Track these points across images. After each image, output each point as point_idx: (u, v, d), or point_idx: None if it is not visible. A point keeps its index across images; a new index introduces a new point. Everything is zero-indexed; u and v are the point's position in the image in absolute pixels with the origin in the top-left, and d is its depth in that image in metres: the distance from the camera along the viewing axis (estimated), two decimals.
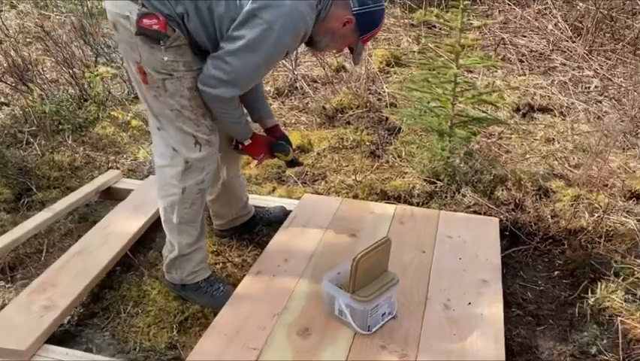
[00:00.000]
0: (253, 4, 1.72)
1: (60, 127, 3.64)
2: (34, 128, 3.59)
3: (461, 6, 2.61)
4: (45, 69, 4.55)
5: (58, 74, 4.36)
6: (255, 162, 2.30)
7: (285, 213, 2.64)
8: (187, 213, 2.03)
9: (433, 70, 2.85)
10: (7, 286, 2.34)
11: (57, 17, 5.84)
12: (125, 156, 3.46)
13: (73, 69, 4.13)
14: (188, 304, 2.17)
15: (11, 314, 1.94)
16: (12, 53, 4.29)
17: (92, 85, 4.00)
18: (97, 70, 4.17)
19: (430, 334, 1.84)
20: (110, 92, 4.10)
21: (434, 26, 5.38)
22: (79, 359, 1.81)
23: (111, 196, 2.94)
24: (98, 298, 2.23)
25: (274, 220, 2.63)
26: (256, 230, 2.63)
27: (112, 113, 3.85)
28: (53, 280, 2.12)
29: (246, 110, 2.22)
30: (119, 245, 2.34)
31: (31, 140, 3.50)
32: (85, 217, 2.81)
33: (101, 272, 2.21)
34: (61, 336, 2.02)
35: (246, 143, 2.13)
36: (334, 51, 2.15)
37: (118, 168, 3.22)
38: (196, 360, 1.73)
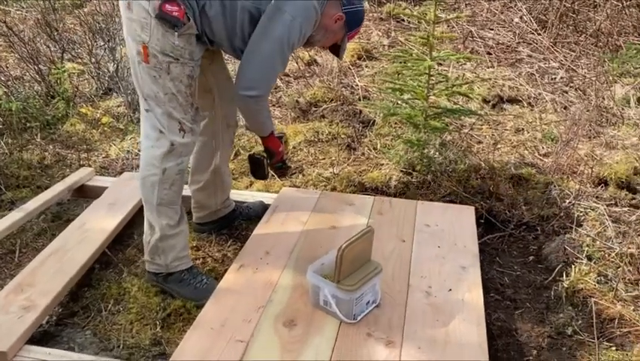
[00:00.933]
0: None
1: (28, 125, 3.55)
2: (0, 127, 3.49)
3: None
4: (8, 66, 4.42)
5: (23, 71, 4.23)
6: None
7: (264, 208, 2.64)
8: (167, 195, 2.06)
9: (407, 63, 2.88)
10: None
11: (17, 12, 5.68)
12: (96, 154, 3.40)
13: (39, 65, 4.02)
14: (169, 300, 2.15)
15: None
16: None
17: (59, 81, 3.90)
18: (63, 66, 4.07)
19: (414, 320, 1.87)
20: (77, 89, 4.01)
21: (403, 20, 5.44)
22: (61, 358, 1.77)
23: (84, 194, 2.89)
24: (78, 297, 2.19)
25: (253, 215, 2.63)
26: (235, 224, 2.63)
27: (81, 110, 3.78)
28: (30, 280, 2.08)
29: None
30: (97, 243, 2.31)
31: None
32: (58, 216, 2.75)
33: (80, 271, 2.17)
34: (40, 337, 1.99)
35: (268, 135, 2.24)
36: (323, 46, 2.26)
37: (90, 166, 3.16)
38: (185, 358, 1.72)
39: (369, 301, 1.90)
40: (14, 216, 2.52)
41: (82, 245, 2.29)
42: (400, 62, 2.98)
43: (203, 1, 1.91)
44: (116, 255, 2.41)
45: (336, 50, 2.23)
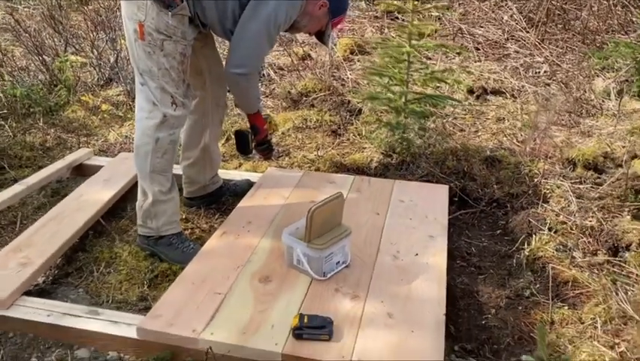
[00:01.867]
0: None
1: (31, 110, 3.74)
2: (4, 111, 3.68)
3: None
4: (14, 57, 4.61)
5: (28, 62, 4.43)
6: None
7: (250, 185, 2.80)
8: (159, 163, 2.23)
9: (388, 50, 3.04)
10: None
11: (25, 9, 5.89)
12: (95, 138, 3.58)
13: (43, 56, 4.22)
14: (157, 264, 2.31)
15: None
16: None
17: (62, 70, 4.08)
18: (66, 57, 4.26)
19: (380, 279, 2.02)
20: (79, 79, 4.20)
21: (397, 18, 5.61)
22: (55, 308, 1.93)
23: (82, 173, 3.06)
24: (72, 260, 2.36)
25: (240, 191, 2.79)
26: (222, 200, 2.79)
27: (82, 98, 3.95)
28: (28, 241, 2.25)
29: None
30: (92, 211, 2.48)
31: (2, 122, 3.58)
32: (57, 192, 2.92)
33: (75, 235, 2.34)
34: (37, 293, 2.15)
35: (255, 112, 2.42)
36: (308, 32, 2.39)
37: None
38: (167, 307, 1.88)
39: (339, 262, 2.05)
40: (16, 188, 2.69)
41: (77, 213, 2.46)
42: (384, 51, 3.13)
43: None
44: (110, 224, 2.57)
45: (322, 36, 2.40)
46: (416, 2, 2.89)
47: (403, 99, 3.02)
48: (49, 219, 2.44)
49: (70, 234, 2.30)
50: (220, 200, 2.78)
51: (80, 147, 3.35)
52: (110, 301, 2.11)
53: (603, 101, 3.96)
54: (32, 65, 4.32)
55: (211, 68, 2.46)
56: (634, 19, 5.11)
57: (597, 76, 4.28)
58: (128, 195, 2.79)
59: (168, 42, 2.09)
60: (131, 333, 1.81)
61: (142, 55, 2.11)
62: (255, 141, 2.51)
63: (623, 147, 3.09)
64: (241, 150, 2.57)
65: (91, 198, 2.60)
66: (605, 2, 5.24)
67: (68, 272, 2.30)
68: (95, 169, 2.98)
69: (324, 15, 2.26)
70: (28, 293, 2.04)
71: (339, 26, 2.67)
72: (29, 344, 1.87)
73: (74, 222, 2.39)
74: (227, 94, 2.66)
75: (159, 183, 2.26)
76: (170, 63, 2.12)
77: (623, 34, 5.14)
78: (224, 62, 2.45)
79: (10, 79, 3.99)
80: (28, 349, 1.86)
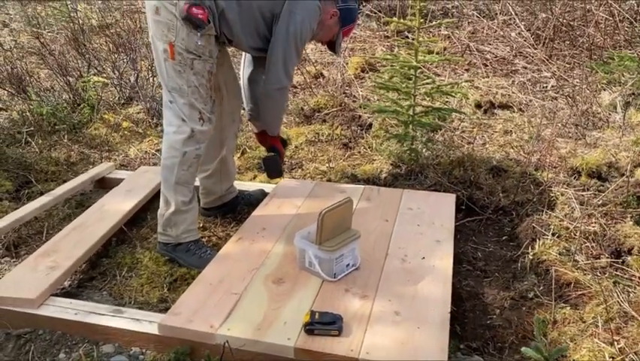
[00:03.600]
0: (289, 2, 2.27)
1: (56, 128, 3.92)
2: (31, 129, 3.87)
3: (418, 7, 2.94)
4: (40, 78, 4.83)
5: (53, 83, 4.64)
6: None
7: (264, 195, 2.92)
8: (184, 175, 2.36)
9: (397, 66, 3.17)
10: (12, 260, 2.59)
11: (49, 34, 6.15)
12: (117, 154, 3.74)
13: (67, 77, 4.42)
14: (176, 269, 2.43)
15: (21, 273, 2.20)
16: (8, 64, 4.58)
17: (85, 89, 4.28)
18: (89, 77, 4.47)
19: (388, 280, 2.12)
20: (101, 98, 4.39)
21: (407, 36, 5.76)
22: (81, 307, 2.06)
23: (105, 185, 3.21)
24: (96, 265, 2.49)
25: (254, 201, 2.91)
26: (238, 210, 2.91)
27: (104, 116, 4.13)
28: (56, 247, 2.38)
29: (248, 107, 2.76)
30: (114, 220, 2.61)
31: (30, 139, 3.77)
32: (81, 204, 3.07)
33: (98, 242, 2.47)
34: (63, 296, 2.27)
35: (277, 133, 2.69)
36: (320, 41, 2.58)
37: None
38: (185, 306, 1.99)
39: (348, 264, 2.16)
40: (42, 200, 2.85)
41: (101, 222, 2.60)
42: (392, 67, 3.26)
43: (222, 5, 2.21)
44: (131, 232, 2.71)
45: (333, 45, 2.58)
46: (422, 20, 3.02)
47: (411, 112, 3.14)
48: (74, 227, 2.58)
49: (94, 241, 2.44)
50: (235, 210, 2.90)
51: (102, 162, 3.51)
52: (132, 303, 2.23)
53: (609, 114, 4.03)
54: (57, 85, 4.53)
55: (228, 85, 2.60)
56: None
57: (603, 90, 4.37)
58: (148, 205, 2.93)
59: (198, 61, 2.23)
60: (153, 330, 1.92)
61: (172, 73, 2.25)
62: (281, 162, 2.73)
63: (628, 156, 3.17)
64: (274, 174, 2.78)
65: (113, 208, 2.74)
66: (611, 18, 5.34)
67: (93, 276, 2.42)
68: (117, 182, 3.12)
69: (335, 24, 2.45)
70: (55, 295, 2.16)
71: (349, 35, 2.84)
72: (57, 341, 1.99)
73: (98, 230, 2.52)
74: (242, 109, 2.80)
75: (182, 194, 2.38)
76: (200, 81, 2.26)
77: (629, 50, 5.23)
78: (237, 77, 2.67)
79: (37, 98, 4.19)
80: (57, 345, 1.98)
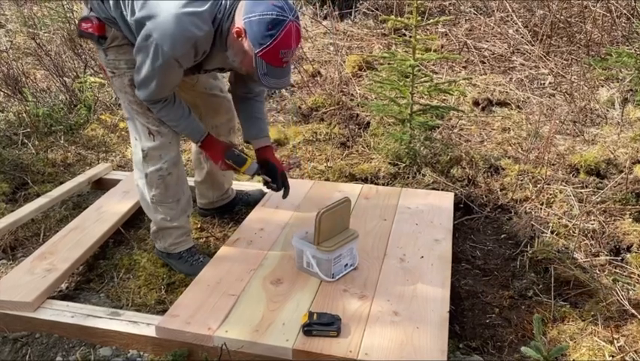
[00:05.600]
0: (140, 13, 1.87)
1: (52, 129, 3.90)
2: (28, 130, 3.85)
3: (415, 4, 2.93)
4: (37, 79, 4.81)
5: (50, 83, 4.62)
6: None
7: (262, 195, 2.91)
8: (155, 196, 2.25)
9: (394, 64, 3.16)
10: (8, 263, 2.58)
11: (45, 34, 6.13)
12: (114, 155, 3.72)
13: (64, 78, 4.40)
14: (174, 271, 2.42)
15: (18, 276, 2.18)
16: (4, 65, 4.56)
17: (82, 90, 4.26)
18: (86, 78, 4.45)
19: (387, 280, 2.11)
20: (98, 99, 4.37)
21: (404, 34, 5.75)
22: (78, 310, 2.04)
23: (102, 186, 3.19)
24: (93, 267, 2.47)
25: (252, 201, 2.89)
26: (235, 210, 2.90)
27: (101, 117, 4.12)
28: (53, 249, 2.37)
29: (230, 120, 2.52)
30: (111, 221, 2.60)
31: (26, 141, 3.75)
32: (78, 205, 3.05)
33: (96, 243, 2.46)
34: (61, 298, 2.26)
35: (199, 144, 2.25)
36: (242, 67, 1.95)
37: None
38: (183, 307, 1.98)
39: (347, 264, 2.15)
40: (39, 201, 2.83)
41: (98, 223, 2.59)
42: (389, 65, 3.25)
43: (117, 15, 1.95)
44: (129, 233, 2.69)
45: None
46: (419, 18, 3.01)
47: (409, 110, 3.13)
48: (72, 229, 2.56)
49: (92, 242, 2.42)
50: (232, 210, 2.88)
51: (99, 163, 3.49)
52: (129, 305, 2.22)
53: (607, 110, 4.03)
54: (53, 86, 4.51)
55: (204, 100, 2.44)
56: (638, 30, 5.19)
57: (601, 86, 4.36)
58: None
59: (115, 78, 2.08)
60: (150, 332, 1.91)
61: (119, 95, 2.16)
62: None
63: (626, 153, 3.16)
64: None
65: (110, 209, 2.72)
66: (608, 15, 5.33)
67: (90, 278, 2.41)
68: (114, 183, 3.11)
69: (248, 46, 1.83)
70: (52, 298, 2.15)
71: (282, 62, 1.86)
72: (54, 344, 1.98)
73: (95, 232, 2.51)
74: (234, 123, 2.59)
75: (162, 213, 2.28)
76: (127, 98, 2.10)
77: (627, 46, 5.22)
78: (218, 91, 2.46)
79: (33, 99, 4.18)
80: (54, 348, 1.97)
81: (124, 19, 1.97)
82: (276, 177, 2.36)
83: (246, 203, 2.91)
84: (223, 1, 1.87)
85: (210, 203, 2.80)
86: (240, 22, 1.82)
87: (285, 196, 2.42)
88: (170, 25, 1.81)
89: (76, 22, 2.01)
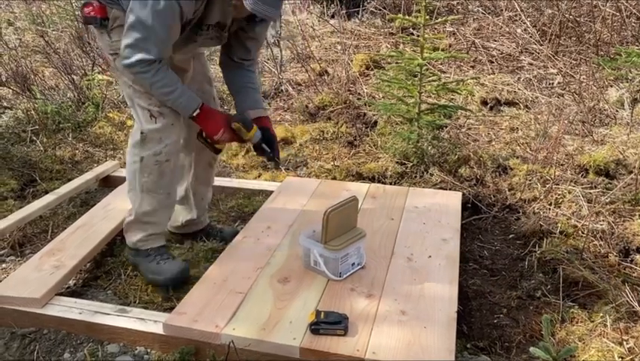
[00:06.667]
0: None
1: (61, 126, 3.92)
2: (36, 127, 3.87)
3: (424, 3, 2.92)
4: (45, 77, 4.83)
5: (58, 81, 4.64)
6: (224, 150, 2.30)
7: (235, 234, 2.51)
8: (146, 182, 2.14)
9: (402, 63, 3.15)
10: (17, 259, 2.58)
11: (54, 32, 6.15)
12: (121, 152, 3.73)
13: (72, 75, 4.42)
14: None
15: (26, 273, 2.19)
16: (13, 63, 4.59)
17: (90, 88, 4.28)
18: (94, 76, 4.47)
19: (394, 279, 2.10)
20: (106, 96, 4.39)
21: (412, 33, 5.73)
22: (86, 306, 2.05)
23: (109, 184, 3.20)
24: (101, 264, 2.48)
25: (227, 237, 2.56)
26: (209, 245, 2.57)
27: (108, 114, 4.13)
28: (61, 246, 2.38)
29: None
30: (118, 219, 2.59)
31: (34, 138, 3.77)
32: (86, 202, 3.06)
33: (103, 240, 2.46)
34: (68, 295, 2.26)
35: (195, 113, 2.06)
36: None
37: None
38: (190, 305, 1.98)
39: (354, 263, 2.14)
40: (47, 198, 2.84)
41: (105, 221, 2.59)
42: (397, 64, 3.25)
43: None
44: None
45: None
46: (428, 17, 3.00)
47: (417, 109, 3.12)
48: (79, 226, 2.57)
49: (99, 239, 2.43)
50: (200, 239, 2.59)
51: (107, 160, 3.50)
52: (137, 302, 2.21)
53: (617, 110, 4.00)
54: (62, 83, 4.53)
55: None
56: None
57: (611, 86, 4.34)
58: None
59: (119, 60, 1.98)
60: (158, 329, 1.91)
61: (119, 81, 2.11)
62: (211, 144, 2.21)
63: (636, 153, 3.14)
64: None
65: (118, 206, 2.73)
66: (618, 14, 5.29)
67: (97, 275, 2.41)
68: (121, 180, 3.09)
69: None
70: (60, 294, 2.16)
71: None
72: (62, 340, 1.98)
73: (102, 229, 2.51)
74: None
75: (148, 203, 2.18)
76: (130, 77, 2.03)
77: (637, 46, 5.18)
78: (212, 98, 2.35)
79: (42, 97, 4.20)
80: (62, 344, 1.97)
81: None
82: (275, 148, 2.24)
83: (221, 238, 2.59)
84: None
85: (181, 227, 2.58)
86: None
87: (277, 167, 2.40)
88: None
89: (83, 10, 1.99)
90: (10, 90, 4.48)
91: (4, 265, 2.52)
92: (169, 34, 1.92)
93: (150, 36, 1.87)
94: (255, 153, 2.34)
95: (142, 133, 2.09)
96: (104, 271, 2.44)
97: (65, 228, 2.69)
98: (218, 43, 2.21)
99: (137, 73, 1.94)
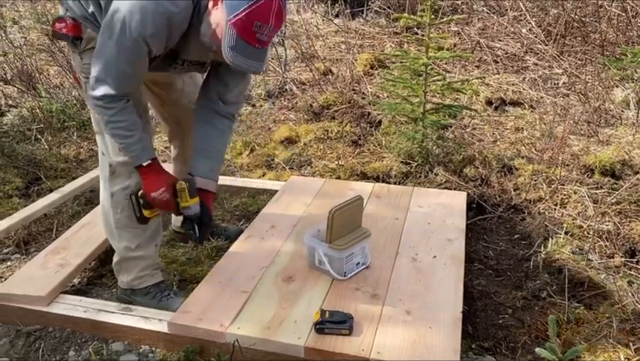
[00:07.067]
0: None
1: (65, 124, 3.93)
2: (41, 125, 3.88)
3: (429, 2, 2.91)
4: (50, 75, 4.84)
5: (63, 79, 4.65)
6: None
7: (240, 233, 2.51)
8: (120, 219, 1.99)
9: (407, 62, 3.15)
10: (22, 257, 2.59)
11: None
12: None
13: None
14: (185, 267, 2.42)
15: (31, 271, 2.19)
16: (18, 61, 4.60)
17: None
18: None
19: (399, 279, 2.10)
20: None
21: (417, 33, 5.72)
22: (91, 305, 2.05)
23: None
24: (105, 263, 2.47)
25: (232, 236, 2.56)
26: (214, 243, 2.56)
27: None
28: (66, 244, 2.38)
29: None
30: None
31: (39, 136, 3.78)
32: (91, 201, 3.06)
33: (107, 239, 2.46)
34: (73, 293, 2.26)
35: (144, 164, 1.86)
36: (213, 43, 1.70)
37: None
38: (195, 304, 1.98)
39: (359, 263, 2.14)
40: (52, 197, 2.85)
41: None
42: (402, 63, 3.24)
43: (93, 10, 1.76)
44: None
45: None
46: (433, 16, 2.99)
47: (421, 109, 3.11)
48: (84, 225, 2.57)
49: (104, 238, 2.41)
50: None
51: None
52: None
53: (622, 111, 3.99)
54: (67, 82, 4.54)
55: (189, 116, 2.16)
56: None
57: (616, 86, 4.32)
58: None
59: (88, 85, 1.79)
60: (162, 328, 1.91)
61: (88, 104, 1.93)
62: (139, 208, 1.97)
63: None
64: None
65: None
66: (623, 14, 5.27)
67: (102, 274, 2.42)
68: None
69: (221, 14, 1.64)
70: (65, 292, 2.16)
71: (249, 31, 1.62)
72: (67, 338, 1.99)
73: None
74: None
75: (126, 239, 2.04)
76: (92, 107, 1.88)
77: None
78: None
79: (47, 95, 4.20)
80: (67, 342, 1.97)
81: (102, 11, 1.77)
82: (204, 233, 1.99)
83: (225, 237, 2.59)
84: None
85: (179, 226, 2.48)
86: None
87: (199, 242, 2.09)
88: (144, 2, 1.61)
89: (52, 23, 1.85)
90: (16, 89, 4.49)
91: (9, 263, 2.53)
92: (134, 69, 1.74)
93: (113, 71, 1.71)
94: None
95: (110, 166, 1.94)
96: (108, 269, 2.43)
97: (70, 226, 2.69)
98: (199, 72, 2.05)
99: (100, 107, 1.77)
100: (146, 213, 1.96)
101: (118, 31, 1.64)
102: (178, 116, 2.27)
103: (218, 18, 1.64)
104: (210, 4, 1.66)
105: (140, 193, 1.93)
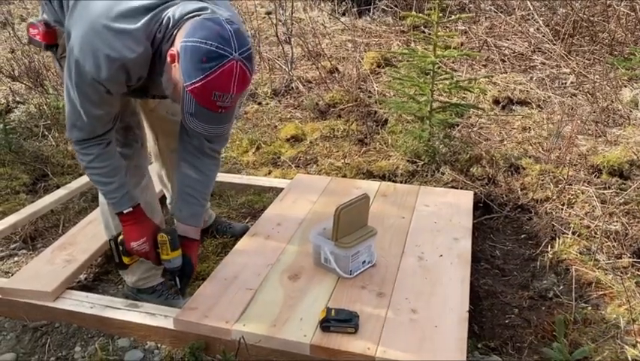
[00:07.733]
0: (69, 15, 1.56)
1: None
2: (48, 122, 3.89)
3: (437, 1, 2.90)
4: (56, 73, 4.85)
5: None
6: None
7: (246, 230, 2.53)
8: (118, 225, 1.90)
9: (414, 61, 3.14)
10: (29, 253, 2.60)
11: None
12: None
13: None
14: None
15: (38, 266, 2.20)
16: (26, 58, 4.62)
17: None
18: None
19: (405, 278, 2.09)
20: None
21: (423, 31, 5.70)
22: (97, 300, 2.06)
23: None
24: (112, 259, 2.47)
25: (237, 233, 2.56)
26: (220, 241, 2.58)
27: None
28: (72, 240, 2.39)
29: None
30: None
31: (46, 133, 3.79)
32: (97, 197, 3.05)
33: None
34: (79, 289, 2.27)
35: (125, 211, 1.79)
36: (175, 97, 1.56)
37: None
38: (200, 301, 1.98)
39: (365, 261, 2.13)
40: (59, 193, 2.85)
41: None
42: (409, 62, 3.23)
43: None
44: None
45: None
46: (440, 14, 2.98)
47: (429, 108, 3.10)
48: (90, 221, 2.58)
49: None
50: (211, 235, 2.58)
51: None
52: None
53: (631, 110, 3.96)
54: None
55: (164, 123, 2.18)
56: None
57: (624, 86, 4.29)
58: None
59: None
60: (168, 324, 1.91)
61: None
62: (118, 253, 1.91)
63: None
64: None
65: None
66: (632, 14, 5.24)
67: (108, 270, 2.42)
68: None
69: (181, 77, 1.47)
70: (71, 288, 2.17)
71: (210, 105, 1.47)
72: (73, 334, 1.99)
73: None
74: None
75: None
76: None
77: None
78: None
79: (54, 92, 4.22)
80: (73, 338, 1.98)
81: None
82: (185, 283, 1.93)
83: (231, 234, 2.59)
84: (165, 19, 1.50)
85: None
86: (177, 44, 1.46)
87: (180, 293, 2.01)
88: (92, 40, 1.48)
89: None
90: (23, 85, 4.51)
91: (16, 259, 2.54)
92: (100, 109, 1.62)
93: (81, 114, 1.60)
94: None
95: None
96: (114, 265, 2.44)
97: (77, 222, 2.70)
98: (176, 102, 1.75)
99: (78, 152, 1.72)
100: (125, 260, 1.91)
101: (74, 74, 1.54)
102: (152, 123, 2.18)
103: (177, 77, 1.49)
104: (168, 59, 1.49)
105: (119, 239, 1.87)
